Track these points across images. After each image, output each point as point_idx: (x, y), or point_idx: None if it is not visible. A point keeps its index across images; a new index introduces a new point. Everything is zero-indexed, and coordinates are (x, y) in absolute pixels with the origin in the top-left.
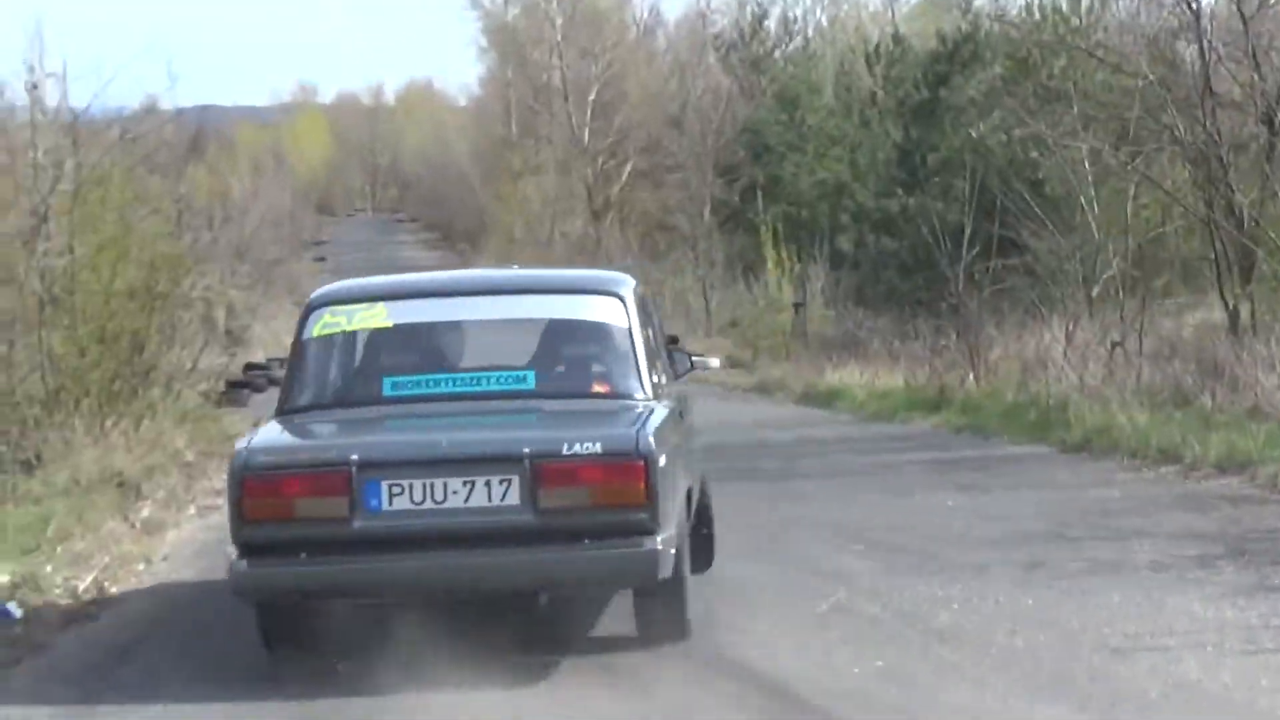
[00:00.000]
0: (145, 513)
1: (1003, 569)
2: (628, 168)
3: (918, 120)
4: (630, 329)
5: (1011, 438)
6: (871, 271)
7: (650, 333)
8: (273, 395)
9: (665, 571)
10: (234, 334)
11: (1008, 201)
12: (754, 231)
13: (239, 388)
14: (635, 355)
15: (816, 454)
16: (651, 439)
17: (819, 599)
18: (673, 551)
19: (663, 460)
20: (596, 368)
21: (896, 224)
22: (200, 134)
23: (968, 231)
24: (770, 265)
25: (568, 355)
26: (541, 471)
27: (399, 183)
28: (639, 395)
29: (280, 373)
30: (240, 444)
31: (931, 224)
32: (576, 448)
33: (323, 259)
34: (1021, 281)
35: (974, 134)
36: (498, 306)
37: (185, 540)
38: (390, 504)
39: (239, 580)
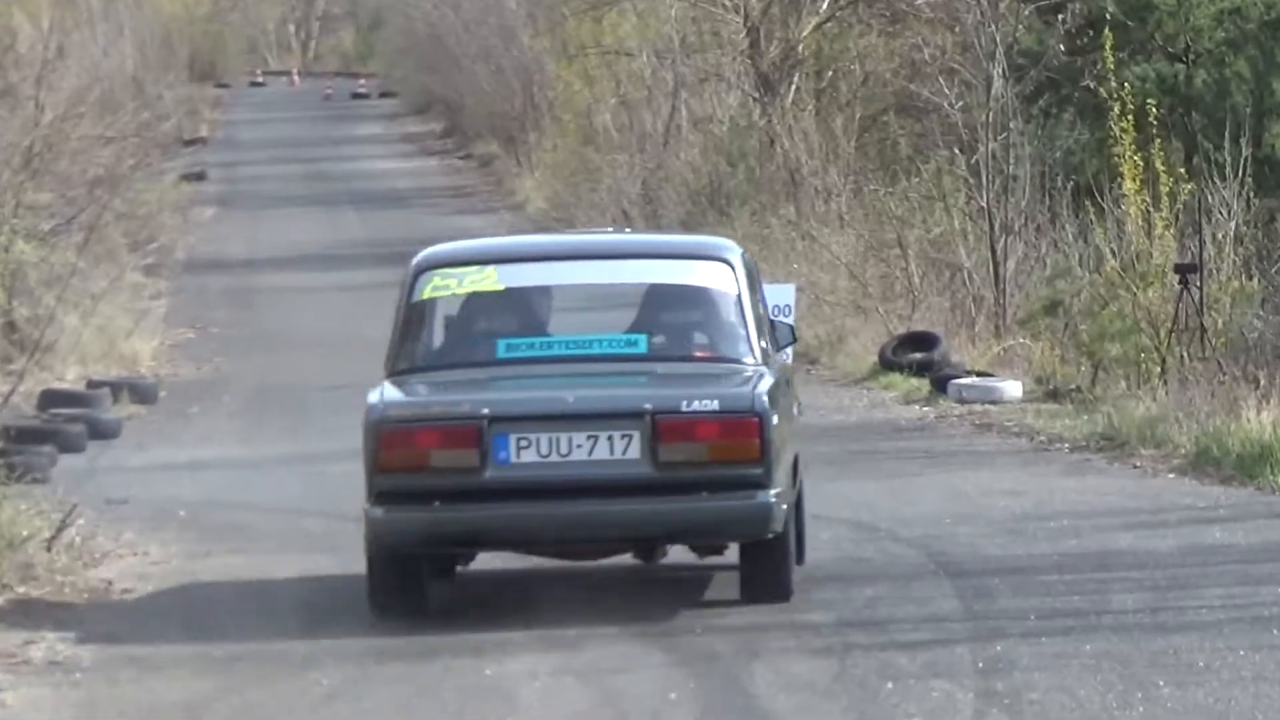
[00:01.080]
0: None
1: None
2: None
3: None
4: (740, 295)
5: None
6: None
7: (757, 299)
8: (109, 459)
9: (777, 526)
10: (21, 330)
11: None
12: (1094, 115)
13: (34, 441)
14: (745, 321)
15: (1224, 581)
16: (765, 398)
17: None
18: (784, 508)
19: (775, 419)
20: (706, 333)
21: None
22: None
23: None
24: (1128, 186)
25: (677, 320)
26: (662, 426)
27: (358, 21)
28: (748, 360)
29: (116, 411)
30: (373, 399)
31: None
32: (695, 405)
33: (200, 175)
34: None
35: None
36: (607, 271)
37: None
38: (518, 456)
39: (375, 526)
